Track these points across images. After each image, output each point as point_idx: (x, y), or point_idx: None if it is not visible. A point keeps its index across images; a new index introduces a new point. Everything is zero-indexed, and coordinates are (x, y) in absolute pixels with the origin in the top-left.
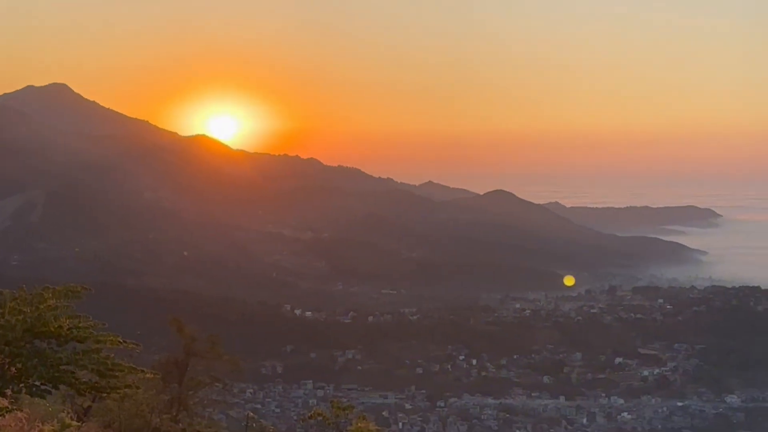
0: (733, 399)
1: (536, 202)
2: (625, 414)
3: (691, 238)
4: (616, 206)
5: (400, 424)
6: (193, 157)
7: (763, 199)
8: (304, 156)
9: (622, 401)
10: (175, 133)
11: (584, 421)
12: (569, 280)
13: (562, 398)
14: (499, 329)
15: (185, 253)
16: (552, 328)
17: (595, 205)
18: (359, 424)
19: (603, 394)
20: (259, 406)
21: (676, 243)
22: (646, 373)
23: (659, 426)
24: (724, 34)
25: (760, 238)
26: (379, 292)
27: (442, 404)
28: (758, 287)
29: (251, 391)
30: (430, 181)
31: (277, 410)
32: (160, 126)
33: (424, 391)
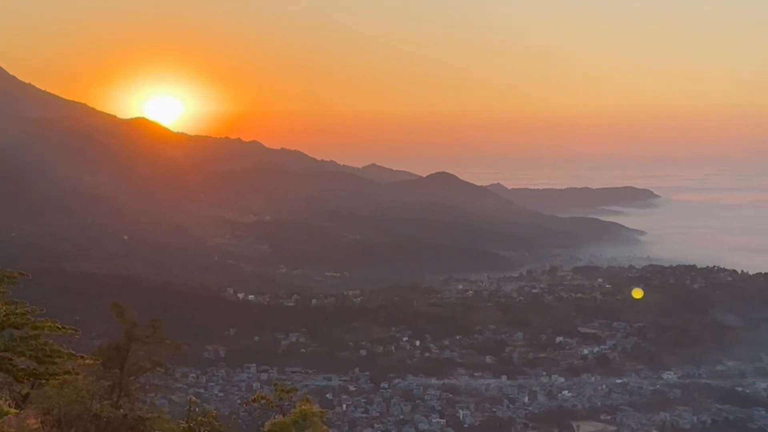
0: (670, 375)
1: (478, 183)
2: (565, 392)
3: (629, 219)
4: (557, 187)
5: (344, 406)
6: (132, 140)
7: (700, 179)
8: (246, 139)
9: (562, 379)
10: (114, 116)
11: (526, 399)
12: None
13: (504, 377)
14: (442, 310)
15: (125, 238)
16: (494, 309)
17: (536, 187)
18: (303, 407)
19: (544, 373)
20: (201, 390)
21: (615, 223)
22: (586, 351)
23: (599, 403)
24: (663, 14)
25: (697, 218)
26: (322, 275)
27: (386, 386)
28: (694, 266)
29: (194, 375)
30: (373, 164)
31: (221, 394)
32: (98, 108)
33: (368, 373)
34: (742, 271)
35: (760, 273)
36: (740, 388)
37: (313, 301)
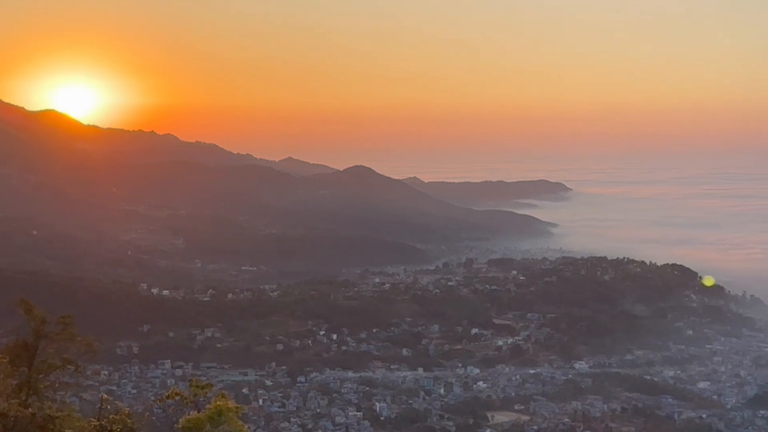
0: (581, 365)
1: (395, 177)
2: (480, 383)
3: (543, 211)
4: (473, 181)
5: (261, 400)
6: (41, 133)
7: (610, 172)
8: (160, 132)
9: (477, 371)
10: (21, 108)
11: (441, 391)
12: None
13: (420, 370)
14: (359, 303)
15: (34, 232)
16: (411, 302)
17: (452, 180)
18: (218, 403)
19: (460, 365)
20: (114, 387)
21: (529, 216)
22: (500, 342)
23: (513, 393)
24: (582, 14)
25: (607, 210)
26: (238, 269)
27: (303, 379)
28: (605, 257)
29: (106, 372)
30: (289, 157)
31: (134, 391)
32: (3, 100)
33: (284, 367)
34: (650, 262)
35: (668, 264)
36: (648, 377)
37: (229, 295)
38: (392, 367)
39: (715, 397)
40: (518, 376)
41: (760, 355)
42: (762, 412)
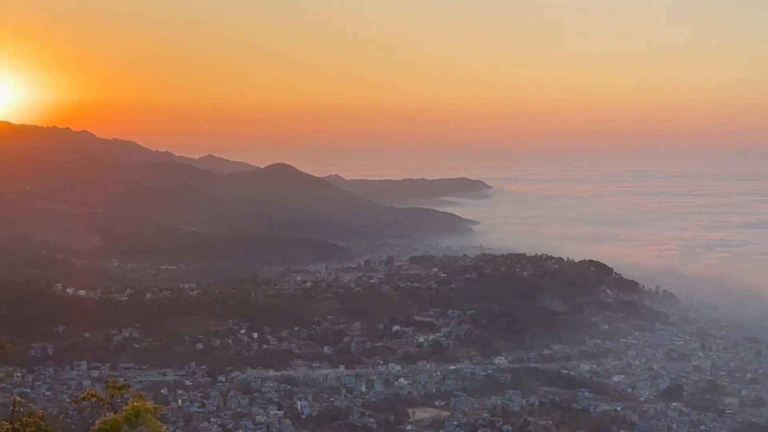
0: (501, 360)
1: (317, 175)
2: (401, 380)
3: (463, 209)
4: (394, 179)
5: (180, 401)
6: None
7: (530, 170)
8: (76, 128)
9: (399, 367)
10: None
11: (363, 388)
12: None
13: (342, 367)
14: (281, 302)
15: None
16: (332, 299)
17: (374, 178)
18: (135, 404)
19: (381, 362)
20: (28, 390)
21: (450, 213)
22: (421, 339)
23: (433, 389)
24: (501, 11)
25: (527, 207)
26: (157, 268)
27: (223, 379)
28: (524, 254)
29: (19, 374)
30: (210, 155)
31: (48, 393)
32: None
33: (204, 367)
34: (568, 258)
35: (584, 260)
36: (566, 371)
37: (148, 294)
38: (314, 365)
39: (629, 389)
40: (439, 373)
41: (672, 349)
42: (674, 403)
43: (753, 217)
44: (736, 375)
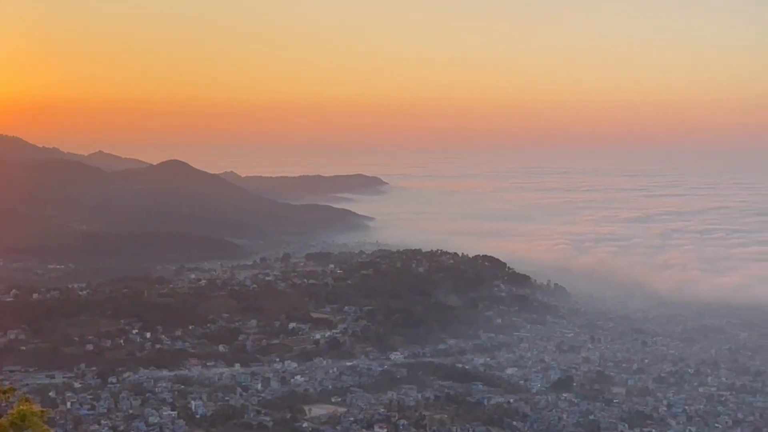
0: (397, 355)
1: (211, 171)
2: (298, 377)
3: (360, 205)
4: (290, 175)
5: (69, 403)
6: None
7: (424, 167)
8: None
9: (295, 365)
10: None
11: (259, 386)
12: None
13: (237, 366)
14: (174, 300)
15: None
16: (228, 297)
17: (269, 175)
18: (21, 407)
19: (277, 359)
20: None
21: (347, 210)
22: (318, 336)
23: (330, 386)
24: (398, 10)
25: (422, 203)
26: (45, 268)
27: (115, 380)
28: (419, 250)
29: None
30: (100, 151)
31: None
32: None
33: (95, 368)
34: (462, 253)
35: (479, 255)
36: (460, 365)
37: (35, 295)
38: (208, 364)
39: (522, 382)
40: (335, 369)
41: (563, 341)
42: (564, 394)
43: (640, 212)
44: (623, 365)
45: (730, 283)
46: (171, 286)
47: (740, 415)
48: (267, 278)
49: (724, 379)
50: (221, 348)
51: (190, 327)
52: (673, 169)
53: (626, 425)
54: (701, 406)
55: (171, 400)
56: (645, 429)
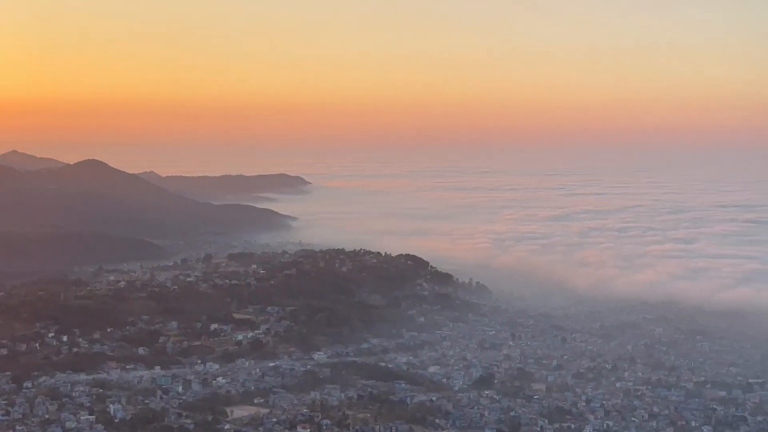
0: (320, 355)
1: (131, 171)
2: (220, 378)
3: (282, 205)
4: (212, 175)
5: None
6: None
7: (348, 167)
8: None
9: (217, 366)
10: None
11: (180, 389)
12: None
13: (158, 368)
14: (93, 303)
15: None
16: (148, 299)
17: (190, 174)
18: None
19: (199, 361)
20: None
21: (269, 210)
22: (240, 337)
23: (252, 387)
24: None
25: (346, 203)
26: None
27: (30, 385)
28: (343, 249)
29: None
30: (14, 150)
31: None
32: None
33: (9, 373)
34: (385, 253)
35: (402, 254)
36: (383, 364)
37: None
38: (128, 367)
39: (444, 380)
40: (258, 370)
41: (485, 339)
42: (486, 391)
43: (559, 211)
44: (544, 362)
45: (645, 279)
46: (89, 288)
47: (656, 409)
48: (188, 279)
49: (640, 373)
50: (141, 350)
51: (109, 330)
52: (591, 168)
53: (546, 421)
54: (618, 401)
55: (89, 405)
56: (564, 424)
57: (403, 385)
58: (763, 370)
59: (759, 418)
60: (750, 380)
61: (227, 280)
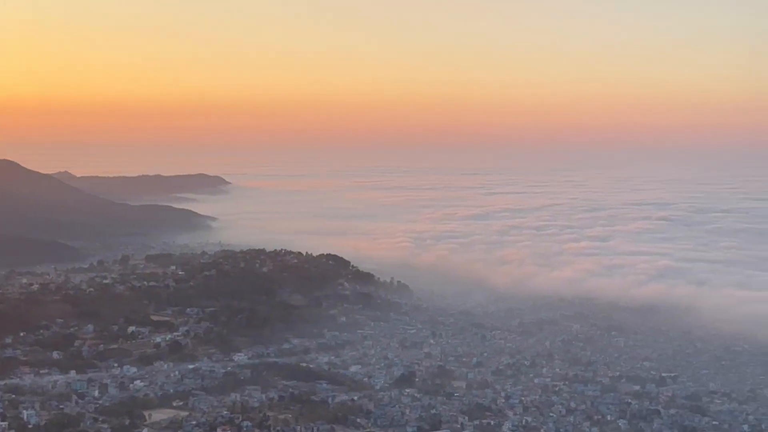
0: (240, 356)
1: (44, 172)
2: (137, 382)
3: (202, 205)
4: (129, 175)
5: None
6: None
7: (268, 166)
8: None
9: (135, 369)
10: None
11: (96, 393)
12: None
13: (73, 372)
14: (4, 307)
15: None
16: (62, 302)
17: (106, 175)
18: None
19: (116, 365)
20: None
21: (188, 210)
22: (159, 339)
23: (171, 390)
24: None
25: (266, 203)
26: None
27: None
28: (263, 250)
29: None
30: None
31: None
32: None
33: None
34: (306, 253)
35: (323, 254)
36: (305, 364)
37: None
38: (42, 371)
39: (366, 379)
40: (177, 373)
41: (406, 337)
42: (407, 390)
43: (479, 209)
44: (464, 359)
45: (563, 277)
46: (0, 291)
47: (573, 404)
48: (104, 281)
49: (558, 369)
50: (55, 355)
51: (22, 334)
52: (510, 168)
53: (466, 418)
54: (537, 397)
55: (1, 411)
56: (484, 421)
57: (325, 385)
58: (675, 365)
59: (672, 411)
60: (663, 374)
61: (145, 282)
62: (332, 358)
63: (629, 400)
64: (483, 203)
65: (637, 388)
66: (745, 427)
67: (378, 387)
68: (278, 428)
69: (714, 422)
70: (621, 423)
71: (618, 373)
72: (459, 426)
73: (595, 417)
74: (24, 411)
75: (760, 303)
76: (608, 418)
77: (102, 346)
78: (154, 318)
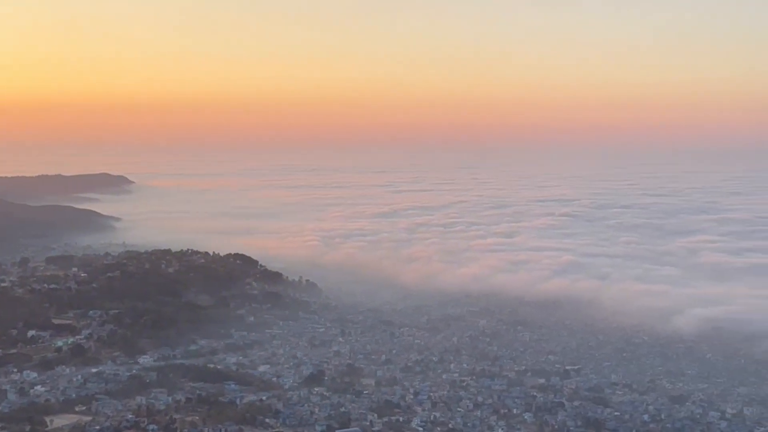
0: (146, 359)
1: None
2: (38, 387)
3: (104, 205)
4: (28, 175)
5: None
6: None
7: (172, 164)
8: None
9: (35, 374)
10: None
11: None
12: None
13: None
14: None
15: None
16: None
17: (4, 174)
18: None
19: (15, 370)
20: None
21: (91, 210)
22: (60, 343)
23: (73, 395)
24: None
25: (172, 202)
26: None
27: None
28: (169, 250)
29: None
30: None
31: None
32: None
33: None
34: (213, 252)
35: (230, 254)
36: (212, 365)
37: None
38: None
39: (274, 379)
40: (80, 377)
41: (315, 336)
42: (316, 389)
43: (386, 207)
44: (373, 357)
45: (470, 273)
46: None
47: (480, 399)
48: (2, 284)
49: (465, 365)
50: None
51: None
52: (418, 166)
53: (375, 415)
54: (445, 392)
55: None
56: (393, 417)
57: (233, 385)
58: (579, 357)
59: (576, 403)
60: (567, 367)
61: (45, 285)
62: (240, 358)
63: (534, 394)
64: (391, 201)
65: (542, 381)
66: (645, 416)
67: (287, 386)
68: (185, 430)
69: (616, 413)
70: (527, 416)
71: (524, 367)
72: (368, 423)
73: (502, 411)
74: None
75: (658, 296)
76: (514, 411)
77: (0, 351)
78: (56, 321)
